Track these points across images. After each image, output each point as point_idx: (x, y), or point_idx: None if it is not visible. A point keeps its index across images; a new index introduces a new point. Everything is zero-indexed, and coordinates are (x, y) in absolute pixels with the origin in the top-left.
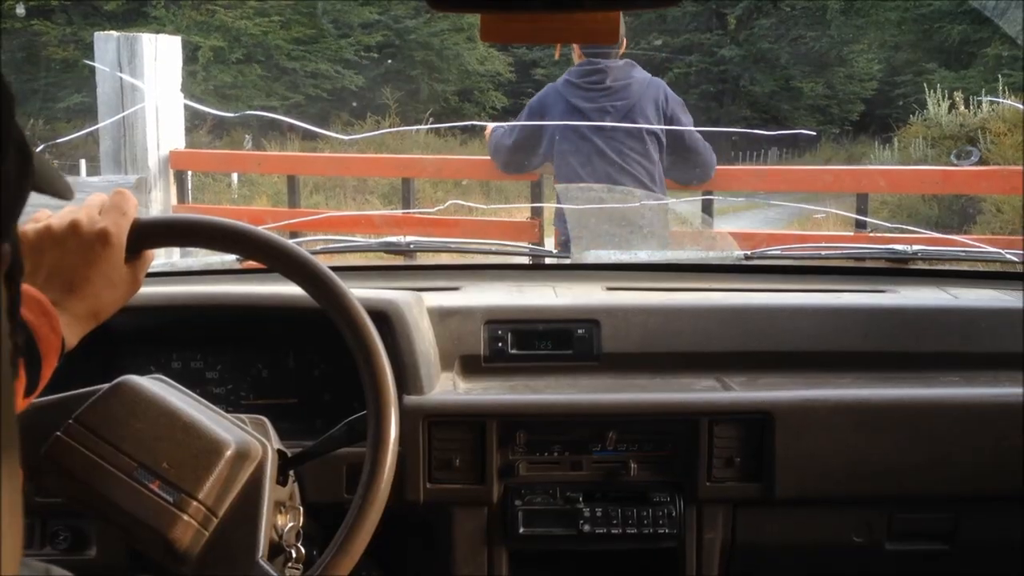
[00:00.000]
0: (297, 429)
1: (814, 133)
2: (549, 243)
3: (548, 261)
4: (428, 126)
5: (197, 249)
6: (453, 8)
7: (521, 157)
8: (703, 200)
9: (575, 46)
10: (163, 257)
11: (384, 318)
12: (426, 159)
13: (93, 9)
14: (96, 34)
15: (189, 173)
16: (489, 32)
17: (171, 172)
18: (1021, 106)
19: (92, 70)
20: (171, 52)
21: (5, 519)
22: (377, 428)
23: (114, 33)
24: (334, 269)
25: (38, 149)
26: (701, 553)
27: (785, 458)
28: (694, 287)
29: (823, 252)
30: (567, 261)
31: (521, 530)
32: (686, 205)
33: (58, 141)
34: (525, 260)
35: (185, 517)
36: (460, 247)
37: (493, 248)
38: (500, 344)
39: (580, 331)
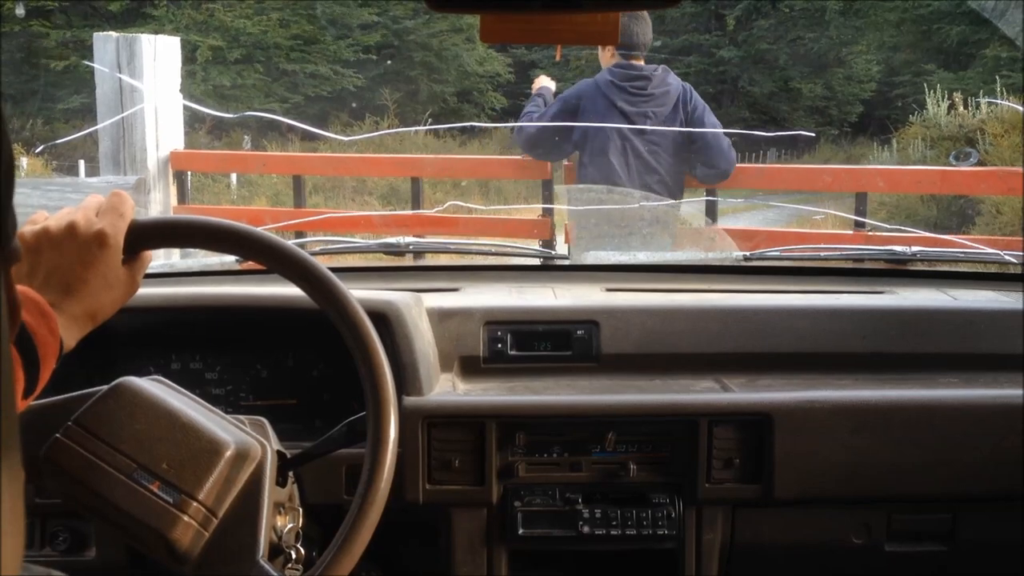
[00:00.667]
0: (296, 430)
1: (813, 134)
2: (560, 240)
3: (547, 262)
4: (427, 127)
5: (196, 250)
6: (452, 9)
7: (550, 142)
8: (707, 201)
9: (606, 48)
10: (162, 258)
11: (383, 319)
12: (434, 159)
13: (92, 10)
14: (95, 35)
15: (188, 174)
16: (489, 33)
17: (170, 173)
18: (1020, 107)
19: (91, 71)
20: (170, 52)
21: (7, 520)
22: (376, 429)
23: (113, 34)
24: (333, 270)
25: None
26: (700, 554)
27: (784, 459)
28: (693, 288)
29: (822, 253)
30: (566, 262)
31: (520, 531)
32: (688, 206)
33: (57, 142)
34: (524, 261)
35: (185, 518)
36: (459, 248)
37: (492, 249)
38: (499, 345)
39: (579, 332)
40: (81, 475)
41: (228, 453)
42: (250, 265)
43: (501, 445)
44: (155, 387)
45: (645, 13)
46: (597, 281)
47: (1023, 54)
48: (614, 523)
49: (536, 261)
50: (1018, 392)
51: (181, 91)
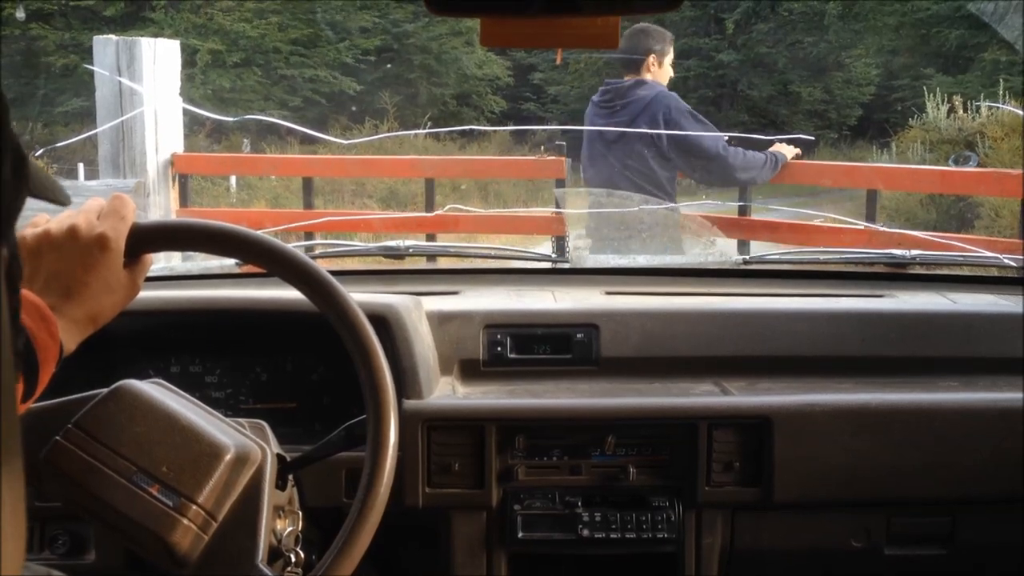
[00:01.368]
0: (296, 433)
1: (812, 138)
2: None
3: (547, 265)
4: (427, 130)
5: (196, 253)
6: (452, 13)
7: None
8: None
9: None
10: (162, 261)
11: (383, 322)
12: (448, 159)
13: (92, 13)
14: (95, 38)
15: (189, 177)
16: (489, 36)
17: (171, 176)
18: (1018, 110)
19: (91, 74)
20: (170, 56)
21: (7, 522)
22: (376, 432)
23: (113, 37)
24: (333, 273)
25: (37, 154)
26: (700, 558)
27: (784, 463)
28: (693, 291)
29: (821, 257)
30: (566, 266)
31: (520, 534)
32: (688, 209)
33: (57, 145)
34: (524, 264)
35: (184, 521)
36: (459, 251)
37: (492, 252)
38: (499, 348)
39: (579, 335)
40: (81, 478)
41: (228, 456)
42: (250, 268)
43: (501, 449)
44: (155, 390)
45: (649, 27)
46: (597, 284)
47: None
48: (614, 526)
49: (536, 264)
50: (1017, 395)
51: (181, 94)
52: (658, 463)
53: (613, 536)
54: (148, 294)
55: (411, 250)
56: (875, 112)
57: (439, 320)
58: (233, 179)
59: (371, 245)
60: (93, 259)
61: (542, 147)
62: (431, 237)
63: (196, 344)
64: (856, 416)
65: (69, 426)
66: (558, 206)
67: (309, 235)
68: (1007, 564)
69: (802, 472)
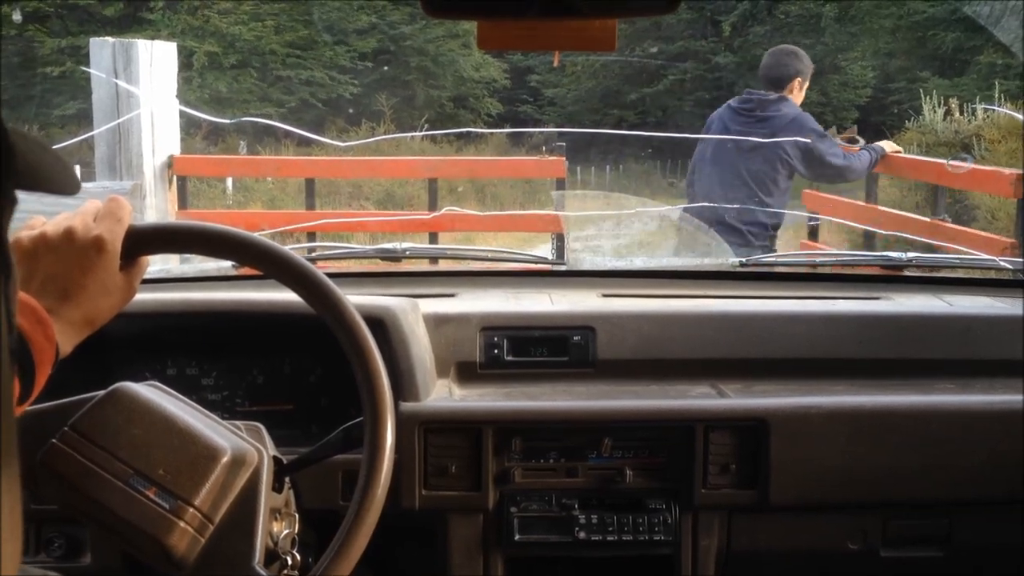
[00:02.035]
0: (293, 435)
1: (809, 140)
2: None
3: (544, 268)
4: (424, 132)
5: (193, 255)
6: (449, 15)
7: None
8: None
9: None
10: (159, 263)
11: (380, 324)
12: (452, 160)
13: (88, 15)
14: (92, 40)
15: (187, 179)
16: (486, 39)
17: (167, 178)
18: (1016, 114)
19: (87, 76)
20: (166, 58)
21: (4, 525)
22: (373, 434)
23: (110, 39)
24: (330, 275)
25: None
26: (696, 560)
27: (780, 465)
28: (689, 294)
29: (818, 259)
30: (563, 268)
31: (517, 537)
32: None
33: (53, 147)
34: (521, 267)
35: (181, 524)
36: (456, 253)
37: (489, 255)
38: (496, 351)
39: (576, 338)
40: (77, 481)
41: (224, 459)
42: (247, 270)
43: (497, 451)
44: (151, 392)
45: (800, 52)
46: (593, 287)
47: None
48: (610, 529)
49: (532, 266)
50: (1014, 397)
51: (177, 96)
52: (655, 465)
53: (610, 538)
54: (145, 296)
55: (408, 252)
56: (871, 115)
57: (436, 322)
58: (229, 181)
59: (368, 247)
60: (89, 261)
61: (543, 148)
62: (433, 237)
63: (193, 346)
64: (853, 418)
65: (65, 428)
66: (556, 208)
67: (311, 236)
68: (1004, 566)
69: (798, 474)
